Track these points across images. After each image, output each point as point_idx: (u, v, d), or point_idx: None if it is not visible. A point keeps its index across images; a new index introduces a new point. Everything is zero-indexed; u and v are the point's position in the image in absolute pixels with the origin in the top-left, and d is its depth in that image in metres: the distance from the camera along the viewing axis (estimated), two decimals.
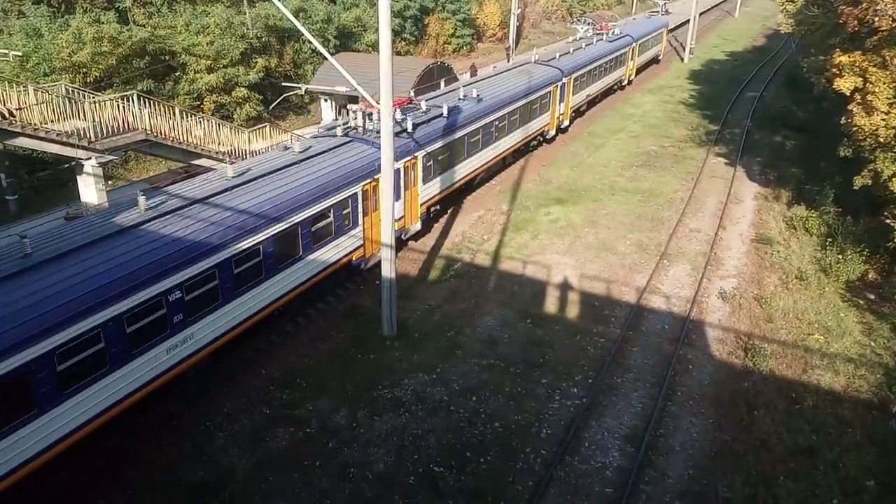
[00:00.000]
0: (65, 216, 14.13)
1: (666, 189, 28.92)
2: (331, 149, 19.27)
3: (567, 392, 15.74)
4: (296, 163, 17.96)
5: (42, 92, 20.30)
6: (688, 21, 63.38)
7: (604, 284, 20.69)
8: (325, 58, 27.34)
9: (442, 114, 23.40)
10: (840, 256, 21.21)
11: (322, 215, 17.46)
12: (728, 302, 19.90)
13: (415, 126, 21.71)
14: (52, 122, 19.89)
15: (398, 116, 21.36)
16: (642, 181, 29.90)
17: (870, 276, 20.90)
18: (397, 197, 20.50)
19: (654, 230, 24.66)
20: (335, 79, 28.51)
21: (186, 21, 35.62)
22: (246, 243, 14.98)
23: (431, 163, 22.52)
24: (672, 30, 66.71)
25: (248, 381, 15.86)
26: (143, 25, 35.19)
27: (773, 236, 24.06)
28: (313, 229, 17.14)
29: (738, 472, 13.42)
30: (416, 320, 18.60)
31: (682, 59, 61.09)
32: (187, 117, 23.45)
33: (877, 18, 19.73)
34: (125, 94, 21.98)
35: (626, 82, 48.96)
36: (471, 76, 35.16)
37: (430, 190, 23.02)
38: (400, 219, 21.20)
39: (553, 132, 35.03)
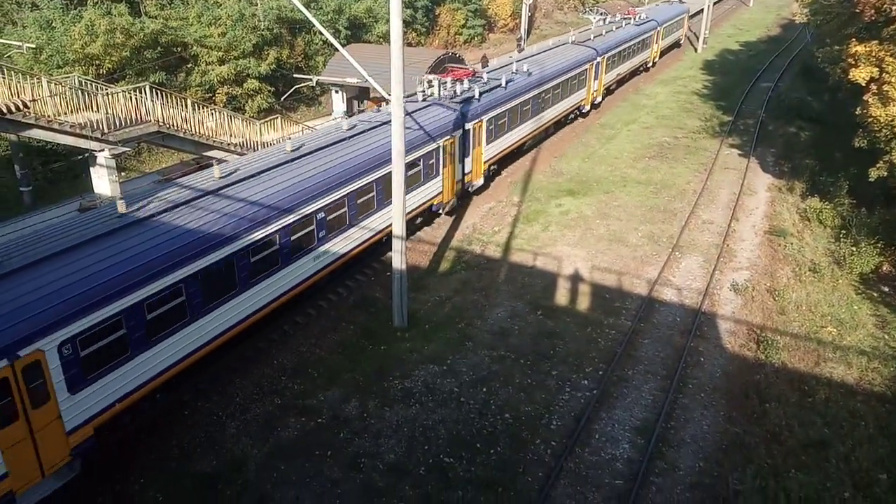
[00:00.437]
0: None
1: (678, 180, 28.73)
2: (416, 111, 22.10)
3: (577, 384, 15.74)
4: (385, 122, 20.24)
5: (55, 84, 20.42)
6: (701, 11, 62.85)
7: (615, 276, 20.63)
8: (336, 49, 27.47)
9: (501, 84, 26.59)
10: (854, 248, 21.03)
11: (413, 164, 20.03)
12: (740, 294, 19.79)
13: (481, 94, 24.85)
14: (66, 113, 20.01)
15: (466, 85, 25.21)
16: (654, 172, 29.72)
17: (884, 268, 20.73)
18: (466, 154, 24.05)
19: (667, 222, 24.53)
20: (346, 70, 28.79)
21: (198, 12, 35.72)
22: (362, 182, 18.13)
23: (493, 126, 25.78)
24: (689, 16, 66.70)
25: (259, 371, 16.00)
26: (155, 17, 35.26)
27: (787, 228, 23.85)
28: (409, 174, 18.93)
29: (749, 464, 13.38)
30: (427, 311, 18.65)
31: (696, 49, 60.55)
32: (199, 109, 23.53)
33: (894, 7, 19.48)
34: (138, 85, 22.07)
35: (650, 64, 51.47)
36: (482, 67, 35.22)
37: (491, 150, 26.24)
38: (468, 173, 24.73)
39: (588, 107, 37.92)
